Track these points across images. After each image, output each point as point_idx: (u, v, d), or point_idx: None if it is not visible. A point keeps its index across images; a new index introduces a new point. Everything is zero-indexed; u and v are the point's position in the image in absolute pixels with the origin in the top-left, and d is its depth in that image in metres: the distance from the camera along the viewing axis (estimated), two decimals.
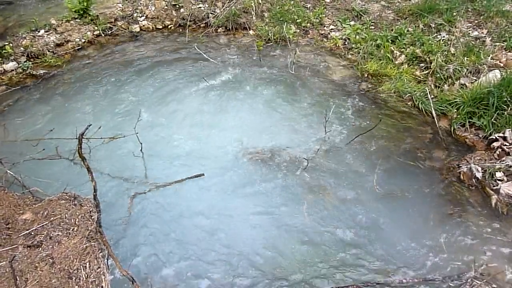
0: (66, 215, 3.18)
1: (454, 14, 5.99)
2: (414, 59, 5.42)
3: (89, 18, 6.47)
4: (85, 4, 6.34)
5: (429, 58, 5.28)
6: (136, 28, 6.65)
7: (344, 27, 6.36)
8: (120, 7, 6.86)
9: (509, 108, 4.21)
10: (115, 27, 6.56)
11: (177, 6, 6.89)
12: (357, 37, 6.06)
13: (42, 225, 3.08)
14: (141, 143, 4.05)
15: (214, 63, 5.81)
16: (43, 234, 3.02)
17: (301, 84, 5.36)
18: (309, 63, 5.83)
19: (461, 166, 3.97)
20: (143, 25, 6.71)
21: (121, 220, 3.51)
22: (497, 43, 5.27)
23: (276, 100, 5.05)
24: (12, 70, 5.55)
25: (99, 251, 3.00)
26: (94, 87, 5.27)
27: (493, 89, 4.32)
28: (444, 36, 5.62)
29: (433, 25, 5.89)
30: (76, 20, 6.45)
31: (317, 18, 6.60)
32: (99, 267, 2.86)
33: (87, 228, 3.10)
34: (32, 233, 3.02)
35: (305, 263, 3.21)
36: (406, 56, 5.50)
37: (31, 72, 5.55)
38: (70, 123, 4.55)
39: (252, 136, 4.45)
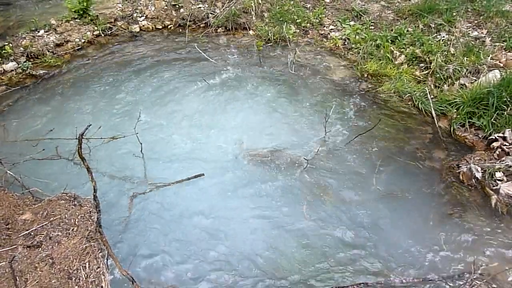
0: (66, 215, 3.18)
1: (454, 14, 5.99)
2: (414, 59, 5.42)
3: (89, 18, 6.47)
4: (84, 4, 6.34)
5: (429, 58, 5.29)
6: (136, 28, 6.65)
7: (344, 27, 6.37)
8: (120, 7, 6.86)
9: (508, 108, 4.21)
10: (115, 27, 6.56)
11: (177, 6, 6.89)
12: (357, 37, 6.06)
13: (42, 226, 3.08)
14: (141, 143, 4.04)
15: (214, 63, 5.81)
16: (42, 234, 3.02)
17: (301, 84, 5.36)
18: (309, 63, 5.83)
19: (460, 166, 3.97)
20: (143, 25, 6.71)
21: (121, 220, 3.51)
22: (497, 43, 5.27)
23: (276, 100, 5.06)
24: (12, 70, 5.55)
25: (99, 251, 3.00)
26: (94, 87, 5.27)
27: (492, 89, 4.32)
28: (444, 36, 5.62)
29: (433, 25, 5.90)
30: (76, 20, 6.45)
31: (317, 18, 6.60)
32: (98, 267, 2.86)
33: (87, 228, 3.10)
34: (32, 234, 3.02)
35: (305, 263, 3.21)
36: (406, 56, 5.50)
37: (30, 72, 5.55)
38: (69, 123, 4.55)
39: (252, 136, 4.45)
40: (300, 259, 3.24)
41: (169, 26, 6.80)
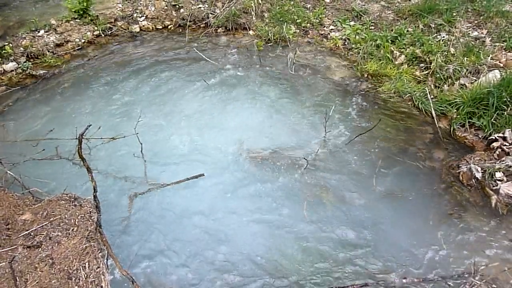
0: (66, 216, 3.17)
1: (454, 14, 5.99)
2: (414, 59, 5.42)
3: (89, 18, 6.47)
4: (85, 4, 6.34)
5: (429, 58, 5.29)
6: (136, 28, 6.65)
7: (344, 27, 6.36)
8: (120, 7, 6.86)
9: (508, 108, 4.21)
10: (115, 28, 6.56)
11: (177, 6, 6.89)
12: (357, 37, 6.06)
13: (42, 226, 3.08)
14: (141, 144, 4.04)
15: (214, 63, 5.80)
16: (42, 234, 3.02)
17: (301, 84, 5.36)
18: (309, 63, 5.83)
19: (460, 167, 3.97)
20: (143, 26, 6.71)
21: (121, 220, 3.52)
22: (497, 43, 5.27)
23: (276, 100, 5.05)
24: (12, 71, 5.55)
25: (99, 251, 3.00)
26: (94, 87, 5.27)
27: (492, 89, 4.32)
28: (444, 36, 5.62)
29: (433, 26, 5.89)
30: (76, 20, 6.45)
31: (317, 18, 6.60)
32: (98, 267, 2.86)
33: (87, 228, 3.10)
34: (32, 234, 3.02)
35: (305, 263, 3.21)
36: (406, 56, 5.50)
37: (30, 73, 5.55)
38: (69, 123, 4.55)
39: (252, 137, 4.45)
40: (300, 259, 3.24)
41: (169, 26, 6.80)
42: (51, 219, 3.13)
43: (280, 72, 5.63)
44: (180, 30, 6.71)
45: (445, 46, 5.38)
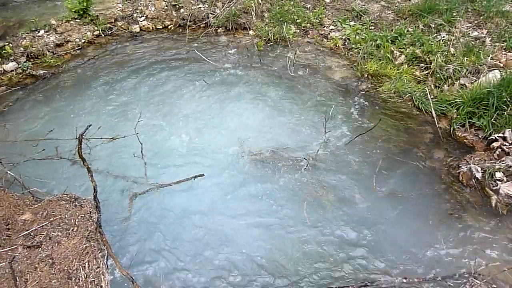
0: (66, 216, 3.18)
1: (454, 14, 5.99)
2: (414, 59, 5.42)
3: (89, 18, 6.47)
4: (85, 4, 6.34)
5: (429, 58, 5.29)
6: (136, 28, 6.65)
7: (344, 27, 6.37)
8: (120, 8, 6.86)
9: (508, 108, 4.21)
10: (115, 28, 6.56)
11: (177, 6, 6.89)
12: (357, 37, 6.06)
13: (42, 226, 3.08)
14: (141, 144, 4.05)
15: (214, 63, 5.80)
16: (42, 234, 3.02)
17: (301, 84, 5.36)
18: (309, 63, 5.83)
19: (460, 167, 3.97)
20: (143, 26, 6.71)
21: (121, 220, 3.52)
22: (497, 43, 5.27)
23: (276, 100, 5.05)
24: (12, 71, 5.55)
25: (99, 251, 3.00)
26: (94, 88, 5.27)
27: (492, 89, 4.32)
28: (444, 36, 5.62)
29: (433, 26, 5.89)
30: (76, 20, 6.46)
31: (317, 19, 6.60)
32: (98, 267, 2.86)
33: (87, 228, 3.10)
34: (32, 234, 3.02)
35: (305, 263, 3.20)
36: (406, 56, 5.50)
37: (31, 73, 5.55)
38: (69, 123, 4.55)
39: (252, 137, 4.45)
40: (300, 259, 3.24)
41: (169, 26, 6.80)
42: (51, 219, 3.13)
43: (280, 72, 5.63)
44: (180, 30, 6.71)
45: (445, 46, 5.38)
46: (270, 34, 6.29)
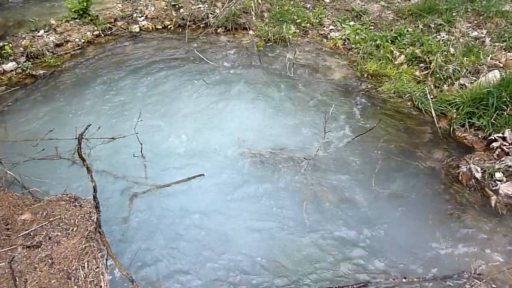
0: (66, 216, 3.17)
1: (454, 14, 5.99)
2: (413, 59, 5.42)
3: (89, 18, 6.47)
4: (84, 4, 6.34)
5: (428, 58, 5.29)
6: (135, 28, 6.65)
7: (343, 27, 6.37)
8: (119, 7, 6.86)
9: (508, 108, 4.21)
10: (114, 27, 6.56)
11: (177, 6, 6.89)
12: (357, 37, 6.06)
13: (42, 226, 3.07)
14: (141, 144, 4.04)
15: (214, 63, 5.80)
16: (42, 234, 3.02)
17: (300, 84, 5.36)
18: (309, 63, 5.83)
19: (460, 167, 3.97)
20: (143, 25, 6.71)
21: (121, 220, 3.51)
22: (497, 43, 5.28)
23: (276, 100, 5.05)
24: (12, 70, 5.55)
25: (98, 251, 3.00)
26: (94, 88, 5.26)
27: (492, 89, 4.32)
28: (443, 36, 5.62)
29: (433, 26, 5.90)
30: (76, 20, 6.45)
31: (316, 19, 6.60)
32: (97, 267, 2.86)
33: (87, 228, 3.09)
34: (31, 234, 3.02)
35: (305, 263, 3.20)
36: (405, 56, 5.50)
37: (30, 72, 5.54)
38: (69, 123, 4.55)
39: (252, 137, 4.45)
40: (300, 259, 3.24)
41: (169, 26, 6.80)
42: (51, 219, 3.13)
43: (280, 72, 5.63)
44: (180, 30, 6.71)
45: (445, 46, 5.39)
46: (269, 34, 6.29)
